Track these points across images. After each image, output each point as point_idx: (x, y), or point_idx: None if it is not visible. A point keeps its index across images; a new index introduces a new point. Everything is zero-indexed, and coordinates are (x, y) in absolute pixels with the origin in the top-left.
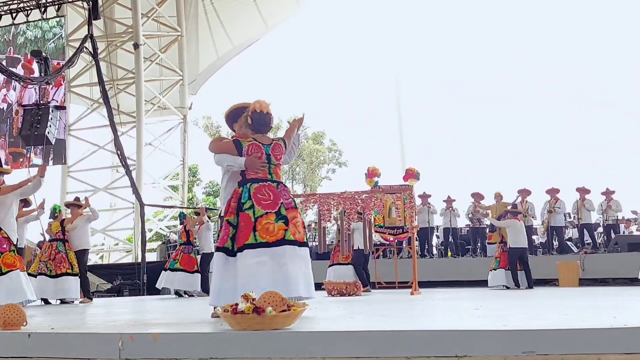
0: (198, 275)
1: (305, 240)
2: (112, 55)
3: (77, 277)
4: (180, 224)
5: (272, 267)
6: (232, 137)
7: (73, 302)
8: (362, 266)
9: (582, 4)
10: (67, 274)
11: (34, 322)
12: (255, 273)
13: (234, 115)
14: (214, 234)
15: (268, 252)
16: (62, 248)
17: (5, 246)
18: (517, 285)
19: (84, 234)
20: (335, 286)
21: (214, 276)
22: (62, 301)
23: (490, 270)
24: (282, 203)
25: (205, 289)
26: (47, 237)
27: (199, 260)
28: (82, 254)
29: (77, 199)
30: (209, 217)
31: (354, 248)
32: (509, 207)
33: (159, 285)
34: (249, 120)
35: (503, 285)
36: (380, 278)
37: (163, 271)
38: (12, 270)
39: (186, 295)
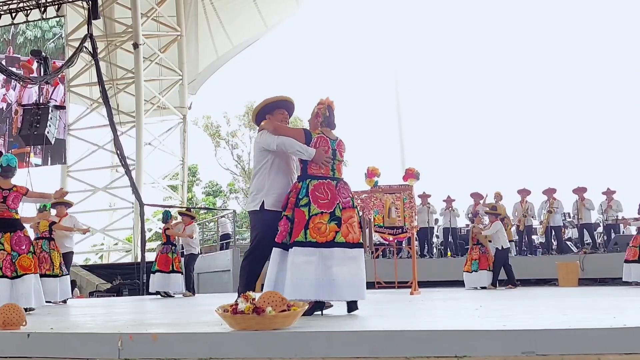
0: (177, 276)
1: (359, 240)
2: (112, 55)
3: (58, 278)
4: (164, 223)
5: (318, 268)
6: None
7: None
8: None
9: (582, 3)
10: (46, 275)
11: (33, 322)
12: (301, 272)
13: (269, 109)
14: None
15: (316, 252)
16: (46, 247)
17: (24, 247)
18: (495, 286)
19: (69, 235)
20: None
21: (269, 271)
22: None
23: (468, 272)
24: (338, 203)
25: (189, 288)
26: (33, 235)
27: (184, 261)
28: (68, 256)
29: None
30: (192, 217)
31: None
32: (488, 209)
33: (151, 289)
34: (327, 113)
35: (481, 287)
36: (379, 278)
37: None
38: (27, 274)
39: (165, 295)
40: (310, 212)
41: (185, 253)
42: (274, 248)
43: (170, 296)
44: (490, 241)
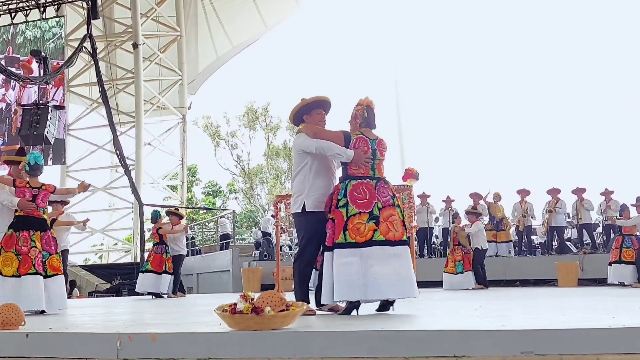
0: (167, 277)
1: (404, 237)
2: (112, 55)
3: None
4: (153, 223)
5: (359, 268)
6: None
7: None
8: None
9: (581, 4)
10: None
11: (32, 322)
12: (343, 273)
13: (307, 109)
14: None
15: (357, 252)
16: None
17: (53, 247)
18: (486, 286)
19: (65, 233)
20: None
21: (325, 274)
22: None
23: (452, 274)
24: (377, 202)
25: (175, 290)
26: None
27: (170, 262)
28: (64, 254)
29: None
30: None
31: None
32: (469, 208)
33: (138, 289)
34: (365, 114)
35: (466, 288)
36: None
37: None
38: (57, 274)
39: (152, 297)
40: (348, 213)
41: (171, 254)
42: (325, 252)
43: (161, 296)
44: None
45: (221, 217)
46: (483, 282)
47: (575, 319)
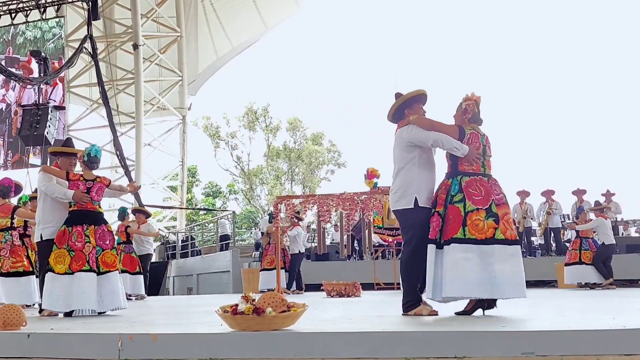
0: (141, 277)
1: (516, 237)
2: (112, 55)
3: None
4: (121, 220)
5: (478, 265)
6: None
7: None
8: (297, 269)
9: (581, 5)
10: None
11: (34, 323)
12: (461, 268)
13: (409, 103)
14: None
15: (475, 249)
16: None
17: (108, 242)
18: None
19: (149, 238)
20: (334, 287)
21: (429, 269)
22: None
23: None
24: (493, 200)
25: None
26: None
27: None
28: (147, 258)
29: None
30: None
31: (293, 252)
32: None
33: None
34: (475, 109)
35: None
36: (379, 279)
37: None
38: (109, 271)
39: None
40: (465, 209)
41: (138, 253)
42: (429, 245)
43: (140, 299)
44: None
45: (221, 217)
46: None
47: (576, 320)
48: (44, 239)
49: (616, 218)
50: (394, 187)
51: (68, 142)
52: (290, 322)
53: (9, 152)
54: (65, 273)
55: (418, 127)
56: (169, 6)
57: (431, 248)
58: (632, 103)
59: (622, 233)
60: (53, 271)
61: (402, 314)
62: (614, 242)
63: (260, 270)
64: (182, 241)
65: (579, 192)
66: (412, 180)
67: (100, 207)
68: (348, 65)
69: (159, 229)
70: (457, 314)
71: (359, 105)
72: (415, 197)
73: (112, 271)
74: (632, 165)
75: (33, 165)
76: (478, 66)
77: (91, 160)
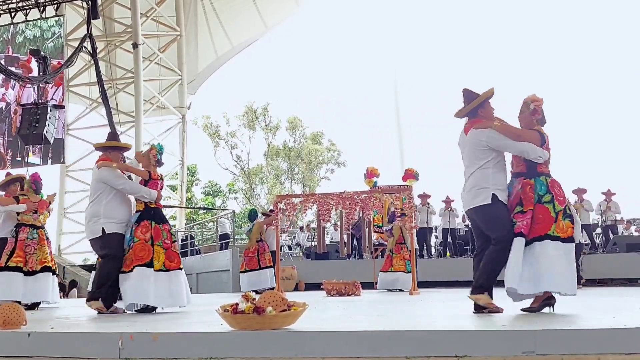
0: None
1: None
2: (111, 54)
3: None
4: None
5: (564, 262)
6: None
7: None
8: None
9: (582, 4)
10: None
11: (34, 322)
12: (554, 264)
13: (483, 102)
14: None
15: (562, 247)
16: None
17: (168, 241)
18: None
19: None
20: (334, 286)
21: (515, 262)
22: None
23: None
24: (567, 201)
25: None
26: None
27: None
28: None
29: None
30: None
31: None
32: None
33: None
34: (543, 113)
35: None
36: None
37: None
38: (172, 270)
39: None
40: (555, 209)
41: None
42: (517, 239)
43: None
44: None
45: (221, 217)
46: None
47: (576, 319)
48: (107, 232)
49: (616, 217)
50: (467, 185)
51: (115, 137)
52: (290, 322)
53: (9, 150)
54: (160, 270)
55: (501, 134)
56: (169, 5)
57: (520, 241)
58: (632, 103)
59: (623, 232)
60: (151, 266)
61: (469, 295)
62: (582, 242)
63: (248, 272)
64: (182, 240)
65: (579, 192)
66: (488, 178)
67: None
68: (348, 65)
69: None
70: (524, 310)
71: (359, 104)
72: (493, 194)
73: (174, 270)
74: (632, 165)
75: (31, 164)
76: (478, 66)
77: (159, 160)
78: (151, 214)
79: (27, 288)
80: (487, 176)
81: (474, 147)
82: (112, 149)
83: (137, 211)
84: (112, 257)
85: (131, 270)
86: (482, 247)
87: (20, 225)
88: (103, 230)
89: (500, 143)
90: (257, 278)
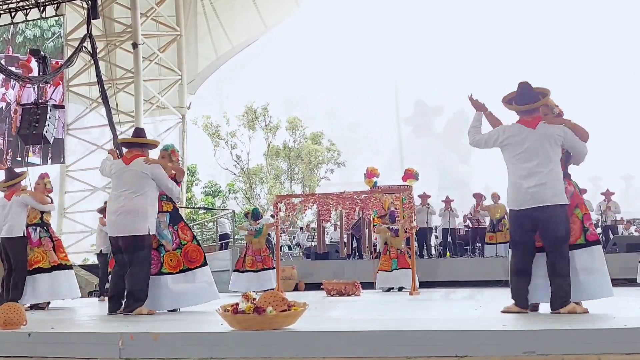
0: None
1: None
2: (111, 54)
3: None
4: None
5: (591, 268)
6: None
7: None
8: None
9: (582, 5)
10: None
11: (34, 322)
12: (591, 274)
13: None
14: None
15: (587, 251)
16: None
17: (187, 236)
18: None
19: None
20: (334, 286)
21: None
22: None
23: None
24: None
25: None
26: None
27: None
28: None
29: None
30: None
31: None
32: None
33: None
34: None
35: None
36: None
37: None
38: (198, 267)
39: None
40: (582, 213)
41: None
42: (597, 247)
43: None
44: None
45: (220, 217)
46: None
47: (577, 319)
48: (150, 233)
49: (616, 217)
50: (542, 178)
51: (142, 133)
52: (290, 322)
53: (9, 150)
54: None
55: (574, 135)
56: (169, 5)
57: (600, 250)
58: (632, 103)
59: (623, 232)
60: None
61: (552, 312)
62: None
63: (244, 272)
64: None
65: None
66: (559, 176)
67: None
68: (348, 65)
69: None
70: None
71: (359, 104)
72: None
73: (199, 267)
74: (632, 165)
75: (31, 164)
76: (478, 66)
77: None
78: (179, 214)
79: (53, 286)
80: (559, 173)
81: (548, 141)
82: (139, 145)
83: (164, 212)
84: (146, 258)
85: (182, 272)
86: (524, 260)
87: (28, 226)
88: (149, 229)
89: (574, 142)
90: (265, 277)
